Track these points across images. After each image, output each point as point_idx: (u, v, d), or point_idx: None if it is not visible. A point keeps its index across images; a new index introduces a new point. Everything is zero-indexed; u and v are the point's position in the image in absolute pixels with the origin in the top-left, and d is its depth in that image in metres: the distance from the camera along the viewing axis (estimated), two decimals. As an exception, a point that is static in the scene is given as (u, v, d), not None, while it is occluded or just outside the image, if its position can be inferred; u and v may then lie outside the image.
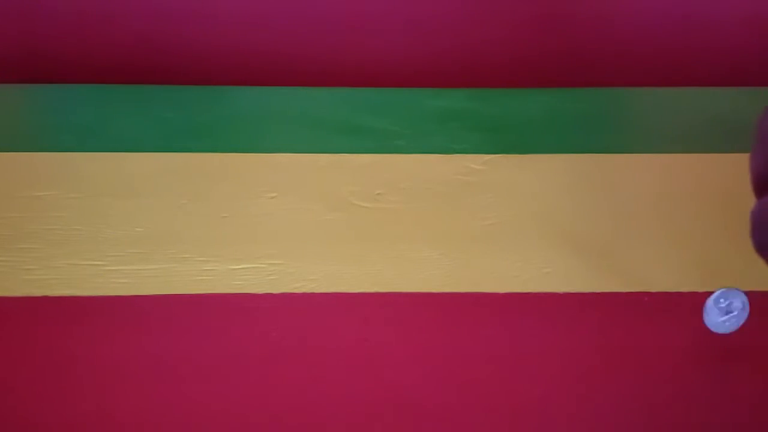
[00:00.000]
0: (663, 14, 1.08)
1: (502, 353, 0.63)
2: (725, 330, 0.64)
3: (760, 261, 0.71)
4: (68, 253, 0.71)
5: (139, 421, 0.58)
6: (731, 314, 0.64)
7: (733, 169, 0.83)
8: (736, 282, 0.68)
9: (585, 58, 1.08)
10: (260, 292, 0.67)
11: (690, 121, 0.92)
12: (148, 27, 1.06)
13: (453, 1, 1.07)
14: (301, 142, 0.86)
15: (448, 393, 0.60)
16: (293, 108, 0.93)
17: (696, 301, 0.67)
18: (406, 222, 0.75)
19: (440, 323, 0.66)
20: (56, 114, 0.93)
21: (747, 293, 0.67)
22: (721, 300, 0.64)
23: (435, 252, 0.72)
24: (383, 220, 0.75)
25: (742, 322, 0.64)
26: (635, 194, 0.79)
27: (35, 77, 1.04)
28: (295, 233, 0.73)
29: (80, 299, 0.66)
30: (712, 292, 0.66)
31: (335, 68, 1.07)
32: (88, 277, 0.68)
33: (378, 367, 0.62)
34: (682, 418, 0.59)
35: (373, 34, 1.07)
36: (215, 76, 1.05)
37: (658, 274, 0.70)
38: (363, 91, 0.97)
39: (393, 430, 0.58)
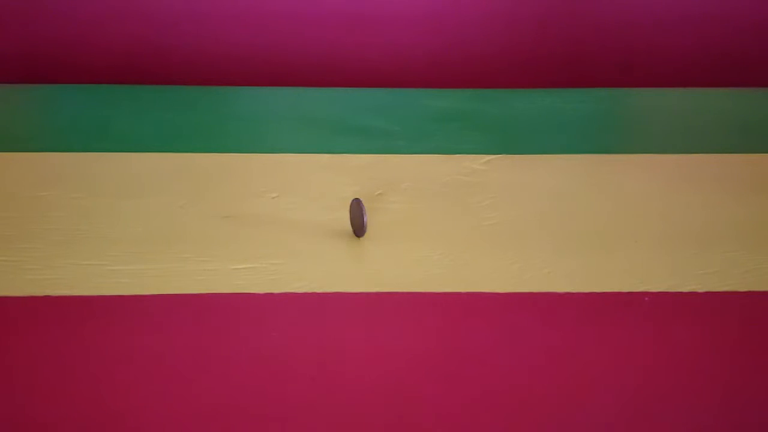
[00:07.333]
0: (663, 14, 1.08)
1: (502, 353, 0.63)
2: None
3: (761, 261, 0.71)
4: (69, 253, 0.71)
5: (140, 419, 0.58)
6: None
7: (734, 169, 0.83)
8: (741, 281, 0.69)
9: (585, 58, 1.08)
10: (261, 292, 0.67)
11: (690, 121, 0.92)
12: (149, 28, 1.07)
13: (453, 1, 1.07)
14: (301, 142, 0.86)
15: (448, 392, 0.60)
16: (293, 108, 0.93)
17: (696, 301, 0.67)
18: (406, 222, 0.75)
19: (440, 323, 0.66)
20: (57, 114, 0.93)
21: (749, 293, 0.67)
22: None
23: (435, 252, 0.72)
24: (384, 220, 0.75)
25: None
26: (635, 194, 0.79)
27: (35, 77, 1.04)
28: (295, 233, 0.73)
29: (81, 299, 0.66)
30: (711, 293, 0.66)
31: (335, 68, 1.07)
32: (88, 276, 0.68)
33: (378, 366, 0.62)
34: (682, 416, 0.59)
35: (374, 35, 1.07)
36: (215, 77, 1.05)
37: (658, 274, 0.70)
38: (363, 91, 0.97)
39: (393, 428, 0.58)
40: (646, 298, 0.68)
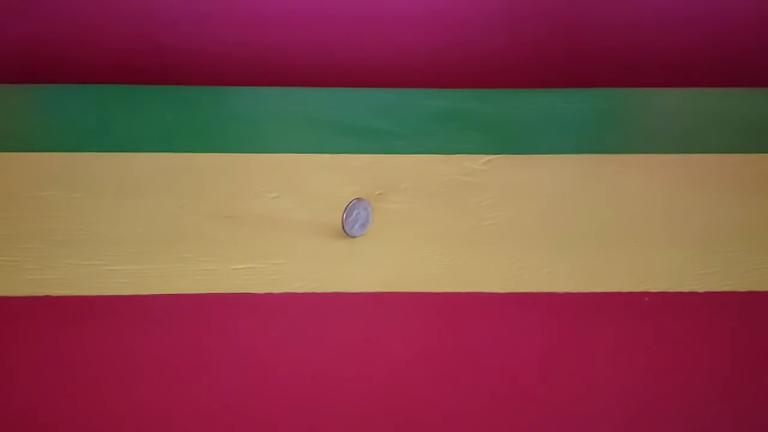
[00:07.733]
0: (663, 14, 1.08)
1: (502, 353, 0.63)
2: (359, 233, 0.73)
3: (762, 261, 0.71)
4: (68, 253, 0.71)
5: (141, 419, 0.58)
6: (357, 222, 0.72)
7: (734, 169, 0.83)
8: (741, 281, 0.69)
9: (585, 58, 1.08)
10: (261, 292, 0.67)
11: (690, 121, 0.92)
12: (149, 28, 1.07)
13: (453, 1, 1.07)
14: (302, 142, 0.86)
15: (447, 392, 0.60)
16: (293, 108, 0.93)
17: (696, 301, 0.67)
18: (406, 222, 0.75)
19: (440, 323, 0.66)
20: (56, 114, 0.93)
21: (750, 293, 0.67)
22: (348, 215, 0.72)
23: (435, 252, 0.72)
24: (384, 220, 0.75)
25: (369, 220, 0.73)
26: (635, 194, 0.79)
27: (35, 77, 1.04)
28: (295, 233, 0.73)
29: (80, 299, 0.66)
30: (711, 293, 0.66)
31: (335, 68, 1.07)
32: (88, 276, 0.68)
33: (378, 366, 0.62)
34: (682, 416, 0.59)
35: (374, 35, 1.07)
36: (215, 77, 1.05)
37: (658, 274, 0.70)
38: (363, 91, 0.97)
39: (393, 428, 0.58)
40: (646, 298, 0.68)
